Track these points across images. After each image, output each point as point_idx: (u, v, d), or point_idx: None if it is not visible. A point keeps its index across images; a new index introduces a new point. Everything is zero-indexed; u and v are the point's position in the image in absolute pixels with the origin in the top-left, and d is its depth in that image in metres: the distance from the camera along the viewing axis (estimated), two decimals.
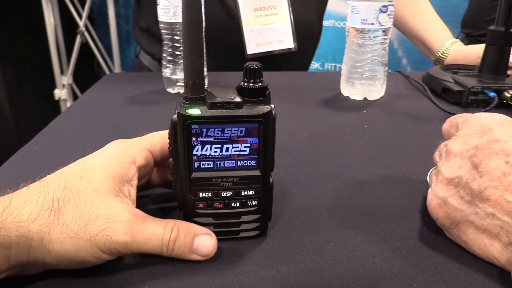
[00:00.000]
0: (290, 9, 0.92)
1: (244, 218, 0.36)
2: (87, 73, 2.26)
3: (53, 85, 2.13)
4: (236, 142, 0.33)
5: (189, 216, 0.35)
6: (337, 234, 0.38)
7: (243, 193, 0.35)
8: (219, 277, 0.33)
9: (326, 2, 1.07)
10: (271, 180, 0.35)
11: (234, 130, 0.33)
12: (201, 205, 0.35)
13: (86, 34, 2.13)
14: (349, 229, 0.39)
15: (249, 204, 0.35)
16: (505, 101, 0.69)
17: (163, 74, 0.78)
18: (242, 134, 0.33)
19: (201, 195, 0.34)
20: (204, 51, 0.77)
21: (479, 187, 0.33)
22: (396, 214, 0.41)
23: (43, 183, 0.33)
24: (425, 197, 0.38)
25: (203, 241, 0.33)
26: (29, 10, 2.00)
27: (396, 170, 0.50)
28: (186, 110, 0.31)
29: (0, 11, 1.79)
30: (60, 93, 2.14)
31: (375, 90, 0.76)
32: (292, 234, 0.38)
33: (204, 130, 0.32)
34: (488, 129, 0.35)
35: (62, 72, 2.14)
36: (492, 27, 0.71)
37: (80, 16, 2.11)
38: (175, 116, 0.32)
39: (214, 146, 0.33)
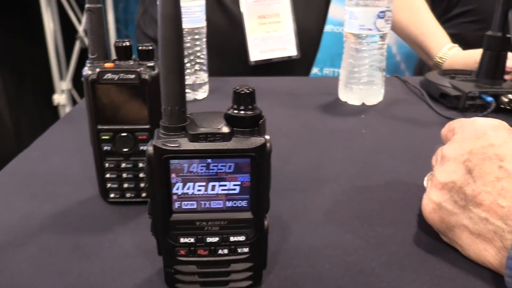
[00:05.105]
0: (294, 17, 0.93)
1: (233, 266, 0.31)
2: None
3: (52, 90, 2.13)
4: (224, 180, 0.29)
5: (169, 263, 0.31)
6: (334, 238, 0.38)
7: (232, 238, 0.30)
8: None
9: (328, 10, 1.08)
10: (266, 223, 0.30)
11: (222, 166, 0.28)
12: (182, 252, 0.30)
13: (85, 39, 2.14)
14: (347, 233, 0.39)
15: (240, 251, 0.30)
16: (502, 106, 0.69)
17: None
18: (231, 170, 0.28)
19: (182, 240, 0.30)
20: (204, 65, 0.78)
21: (472, 192, 0.33)
22: (394, 219, 0.41)
23: None
24: None
25: None
26: (29, 15, 2.01)
27: (393, 175, 0.50)
28: (164, 143, 0.27)
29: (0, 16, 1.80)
30: (59, 98, 2.14)
31: (373, 95, 0.76)
32: (290, 238, 0.38)
33: (186, 165, 0.28)
34: (482, 133, 0.35)
35: (61, 77, 2.15)
36: (489, 32, 0.71)
37: (80, 21, 2.12)
38: (150, 149, 0.27)
39: (197, 183, 0.29)
